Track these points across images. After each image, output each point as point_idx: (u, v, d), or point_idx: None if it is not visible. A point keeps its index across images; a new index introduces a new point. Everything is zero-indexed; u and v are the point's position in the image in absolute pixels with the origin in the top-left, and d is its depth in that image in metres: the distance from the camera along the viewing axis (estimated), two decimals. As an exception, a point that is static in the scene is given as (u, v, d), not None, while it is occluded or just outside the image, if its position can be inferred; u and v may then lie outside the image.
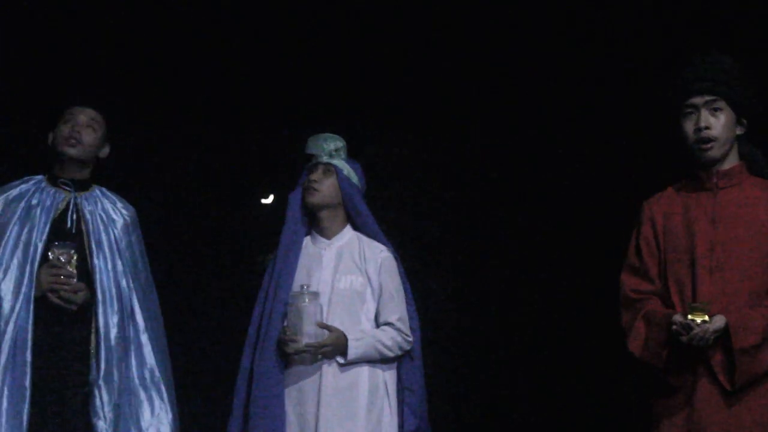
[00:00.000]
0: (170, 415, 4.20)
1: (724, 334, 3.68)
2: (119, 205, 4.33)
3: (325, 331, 4.14)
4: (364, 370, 4.20)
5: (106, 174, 4.45)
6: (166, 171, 6.62)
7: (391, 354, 4.23)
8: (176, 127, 6.49)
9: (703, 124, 3.80)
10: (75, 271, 4.07)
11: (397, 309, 4.26)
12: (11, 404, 3.93)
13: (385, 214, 4.96)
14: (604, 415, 5.99)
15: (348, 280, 4.25)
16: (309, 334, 4.11)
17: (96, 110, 4.27)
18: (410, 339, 4.26)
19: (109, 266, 4.18)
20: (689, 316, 3.66)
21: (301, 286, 4.16)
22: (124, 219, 4.30)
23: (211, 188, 6.84)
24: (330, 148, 4.30)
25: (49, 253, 4.07)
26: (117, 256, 4.21)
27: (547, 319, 6.43)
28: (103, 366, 4.06)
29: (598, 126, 6.05)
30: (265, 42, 6.28)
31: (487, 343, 6.60)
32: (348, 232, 4.33)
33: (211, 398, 6.21)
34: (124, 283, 4.20)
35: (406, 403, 4.24)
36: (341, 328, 4.18)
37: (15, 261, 4.08)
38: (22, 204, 4.18)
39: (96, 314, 4.10)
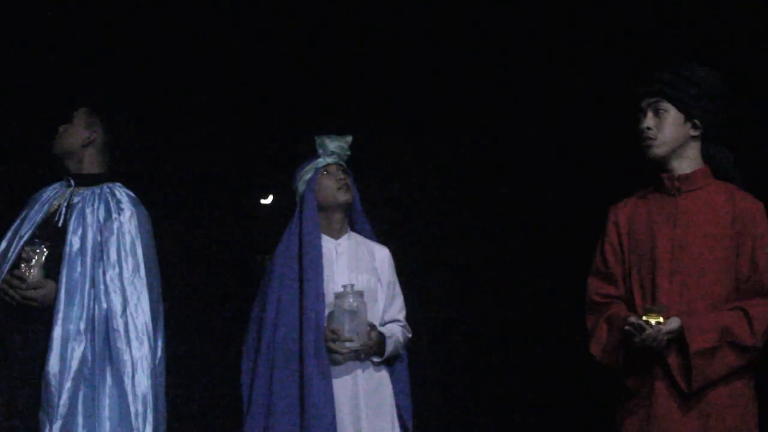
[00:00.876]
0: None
1: (679, 336, 3.72)
2: (124, 204, 4.19)
3: (370, 331, 4.16)
4: (386, 369, 4.25)
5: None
6: (165, 171, 6.61)
7: (404, 351, 4.31)
8: (175, 128, 6.48)
9: (644, 125, 3.92)
10: (36, 269, 4.02)
11: (402, 306, 4.33)
12: None
13: (382, 213, 4.97)
14: (603, 415, 5.97)
15: (364, 279, 4.25)
16: (361, 334, 4.09)
17: (88, 109, 4.31)
18: (410, 335, 4.33)
19: (87, 263, 4.06)
20: (643, 318, 3.70)
21: (344, 286, 4.12)
22: (122, 217, 4.16)
23: (210, 189, 6.86)
24: (347, 150, 4.34)
25: (21, 254, 4.06)
26: (99, 252, 4.07)
27: (546, 318, 6.43)
28: (52, 357, 3.93)
29: (599, 126, 6.05)
30: (265, 42, 6.29)
31: (485, 342, 6.62)
32: (351, 233, 4.36)
33: (209, 401, 6.25)
34: (101, 278, 4.05)
35: (402, 407, 4.26)
36: (395, 328, 4.28)
37: (3, 254, 4.12)
38: (35, 201, 4.24)
39: (57, 305, 4.00)
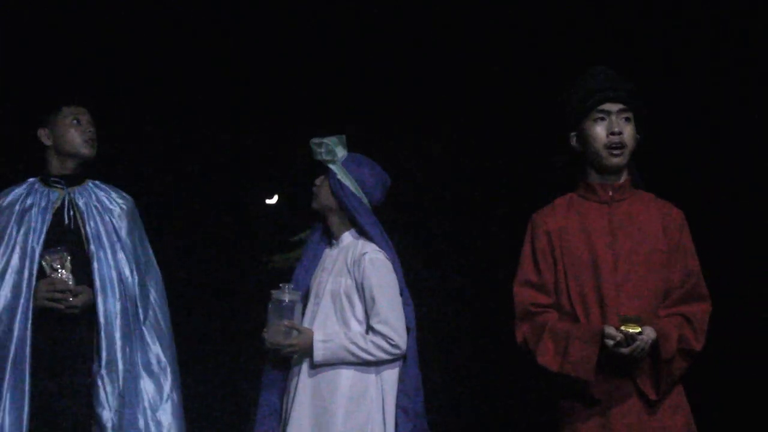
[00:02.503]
0: (176, 401, 4.21)
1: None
2: (114, 195, 4.32)
3: (294, 332, 4.10)
4: (344, 373, 4.12)
5: (107, 174, 4.47)
6: (171, 171, 6.63)
7: (370, 357, 4.11)
8: (181, 128, 6.50)
9: (617, 129, 3.85)
10: (70, 276, 4.09)
11: (380, 312, 4.12)
12: (13, 408, 3.98)
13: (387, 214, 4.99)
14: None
15: (337, 282, 4.19)
16: (276, 332, 4.10)
17: (88, 110, 4.30)
18: (395, 342, 4.12)
19: (109, 256, 4.18)
20: (622, 328, 3.69)
21: (281, 285, 4.14)
22: (120, 207, 4.30)
23: (215, 189, 6.86)
24: (322, 150, 4.24)
25: (43, 263, 4.09)
26: (117, 245, 4.22)
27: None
28: (104, 356, 4.07)
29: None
30: (271, 41, 6.28)
31: (488, 342, 6.61)
32: (350, 235, 4.28)
33: (218, 399, 6.24)
34: (126, 271, 4.21)
35: (400, 407, 4.13)
36: (327, 329, 4.15)
37: (12, 266, 4.11)
38: (17, 207, 4.19)
39: (96, 305, 4.11)
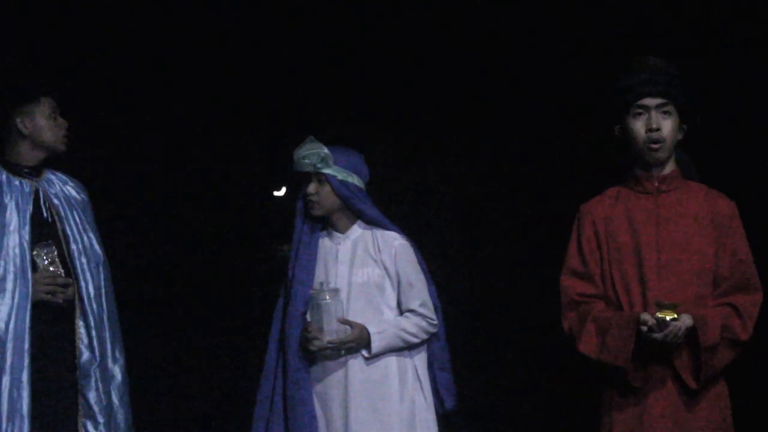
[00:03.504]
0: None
1: (688, 332, 3.77)
2: (71, 184, 4.37)
3: (348, 327, 4.17)
4: (392, 361, 4.25)
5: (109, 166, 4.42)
6: (179, 163, 6.62)
7: (416, 340, 4.27)
8: (188, 119, 6.46)
9: (654, 125, 3.91)
10: (61, 269, 4.17)
11: (419, 294, 4.28)
12: (13, 402, 4.03)
13: (395, 208, 4.93)
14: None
15: (365, 273, 4.27)
16: (330, 331, 4.16)
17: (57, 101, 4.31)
18: (435, 322, 4.30)
19: (81, 248, 4.24)
20: (658, 315, 3.74)
21: (320, 284, 4.21)
22: (81, 197, 4.36)
23: (223, 181, 6.85)
24: (313, 160, 4.26)
25: (35, 257, 4.14)
26: (85, 235, 4.28)
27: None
28: (97, 349, 4.18)
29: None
30: (279, 33, 6.28)
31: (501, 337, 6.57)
32: (358, 226, 4.35)
33: (225, 392, 6.19)
34: (94, 259, 4.28)
35: (440, 383, 4.31)
36: (363, 321, 4.21)
37: (5, 263, 4.12)
38: None
39: (81, 298, 4.19)
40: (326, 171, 4.27)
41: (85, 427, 4.14)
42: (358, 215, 4.33)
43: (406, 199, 6.55)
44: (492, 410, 6.45)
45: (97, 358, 4.18)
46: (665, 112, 3.92)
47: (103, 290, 4.27)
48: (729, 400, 3.88)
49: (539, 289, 6.38)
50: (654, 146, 3.91)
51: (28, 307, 4.07)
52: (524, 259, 6.51)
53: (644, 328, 3.74)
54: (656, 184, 3.96)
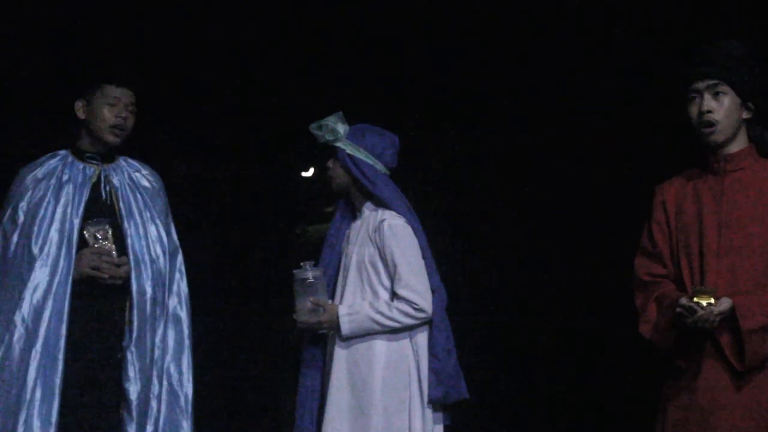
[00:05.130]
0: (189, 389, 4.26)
1: (731, 316, 3.73)
2: (145, 172, 4.35)
3: (320, 309, 4.17)
4: (378, 343, 4.17)
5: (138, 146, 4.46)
6: (206, 144, 6.65)
7: (396, 324, 4.15)
8: (216, 102, 6.50)
9: (705, 108, 3.84)
10: (113, 246, 4.12)
11: (402, 277, 4.16)
12: (45, 377, 4.00)
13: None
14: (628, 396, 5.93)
15: (361, 253, 4.24)
16: (301, 311, 4.18)
17: (134, 93, 4.26)
18: (420, 306, 4.14)
19: (141, 232, 4.21)
20: (694, 299, 3.72)
21: (302, 264, 4.20)
22: (152, 185, 4.33)
23: (251, 161, 6.89)
24: (324, 132, 4.28)
25: (85, 233, 4.11)
26: (150, 222, 4.25)
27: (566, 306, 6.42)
28: (135, 331, 4.11)
29: (618, 111, 6.03)
30: (305, 18, 6.28)
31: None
32: (370, 205, 4.32)
33: (253, 370, 6.26)
34: (158, 249, 4.24)
35: (431, 369, 4.17)
36: (356, 300, 4.20)
37: (51, 239, 4.10)
38: (53, 181, 4.19)
39: (130, 280, 4.14)
40: (337, 145, 4.27)
41: (123, 422, 4.10)
42: (366, 195, 4.30)
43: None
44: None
45: (134, 341, 4.10)
46: (717, 93, 3.85)
47: (162, 278, 4.21)
48: None
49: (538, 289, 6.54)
50: (706, 130, 3.85)
51: (69, 281, 4.04)
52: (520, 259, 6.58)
53: (680, 311, 3.72)
54: (722, 163, 3.88)
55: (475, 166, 6.74)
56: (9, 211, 4.17)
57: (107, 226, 4.12)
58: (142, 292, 4.13)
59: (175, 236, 4.33)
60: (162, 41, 6.02)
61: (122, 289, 4.13)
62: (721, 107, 3.85)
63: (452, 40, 6.25)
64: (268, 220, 6.96)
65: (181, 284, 4.29)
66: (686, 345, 3.79)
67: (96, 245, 4.10)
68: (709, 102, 3.84)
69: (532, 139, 6.46)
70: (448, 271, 4.47)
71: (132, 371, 4.08)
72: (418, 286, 4.15)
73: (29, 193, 4.16)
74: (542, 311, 6.54)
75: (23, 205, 4.15)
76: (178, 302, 4.26)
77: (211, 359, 4.89)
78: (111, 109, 4.18)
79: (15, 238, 4.11)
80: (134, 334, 4.10)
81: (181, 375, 4.22)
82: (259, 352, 6.58)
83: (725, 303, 3.70)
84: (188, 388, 4.22)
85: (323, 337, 4.26)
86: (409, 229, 4.22)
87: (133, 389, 4.08)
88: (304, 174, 7.19)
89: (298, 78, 6.43)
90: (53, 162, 4.24)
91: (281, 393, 6.40)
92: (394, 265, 4.16)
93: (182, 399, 4.20)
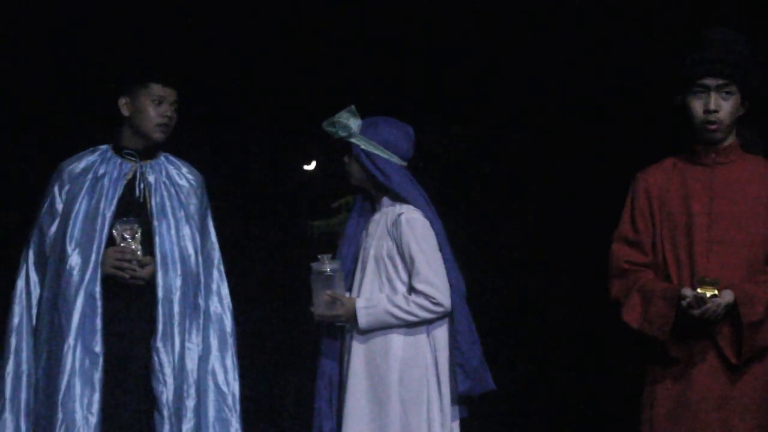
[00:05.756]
0: (236, 387, 4.27)
1: (730, 308, 3.75)
2: (184, 170, 4.35)
3: (338, 302, 4.17)
4: (395, 338, 4.17)
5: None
6: (209, 137, 6.61)
7: (414, 318, 4.14)
8: (218, 95, 6.47)
9: (713, 107, 3.85)
10: (139, 246, 4.13)
11: (420, 271, 4.15)
12: (84, 370, 4.02)
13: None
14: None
15: (379, 246, 4.23)
16: (318, 304, 4.18)
17: (177, 91, 4.27)
18: (438, 300, 4.14)
19: (173, 231, 4.21)
20: (699, 290, 3.72)
21: (319, 256, 4.20)
22: (190, 183, 4.33)
23: (253, 154, 6.90)
24: (337, 128, 4.28)
25: (113, 231, 4.13)
26: (182, 221, 4.24)
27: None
28: (160, 328, 4.10)
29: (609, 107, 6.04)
30: (309, 12, 6.27)
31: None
32: (388, 200, 4.30)
33: (264, 362, 6.27)
34: (190, 248, 4.23)
35: (456, 363, 4.14)
36: (374, 294, 4.19)
37: (85, 233, 4.13)
38: (90, 175, 4.21)
39: (156, 278, 4.14)
40: (352, 141, 4.27)
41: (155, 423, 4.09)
42: (383, 190, 4.29)
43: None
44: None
45: (160, 340, 4.08)
46: (727, 92, 3.87)
47: (195, 277, 4.21)
48: None
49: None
50: (711, 127, 3.87)
51: (98, 278, 4.07)
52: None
53: (684, 303, 3.73)
54: (713, 156, 3.91)
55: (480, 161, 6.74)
56: (47, 205, 4.21)
57: (135, 226, 4.14)
58: (168, 291, 4.14)
59: (213, 236, 4.34)
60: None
61: (150, 288, 4.14)
62: (727, 107, 3.87)
63: (455, 34, 6.25)
64: (271, 217, 6.96)
65: (221, 284, 4.31)
66: (680, 335, 3.79)
67: (122, 244, 4.11)
68: (717, 101, 3.86)
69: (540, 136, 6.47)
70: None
71: (160, 371, 4.08)
72: (435, 280, 4.14)
73: (67, 187, 4.21)
74: (543, 309, 6.56)
75: (61, 198, 4.20)
76: (219, 302, 4.28)
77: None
78: (157, 107, 4.20)
79: (52, 230, 4.17)
80: (159, 332, 4.10)
81: (226, 374, 4.24)
82: (260, 351, 6.57)
83: (729, 295, 3.72)
84: (234, 386, 4.25)
85: (341, 329, 4.25)
86: (426, 223, 4.20)
87: (163, 389, 4.07)
88: (306, 167, 7.17)
89: (298, 70, 6.42)
90: (92, 157, 4.27)
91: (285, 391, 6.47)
92: (412, 260, 4.15)
93: (230, 398, 4.23)
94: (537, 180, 6.56)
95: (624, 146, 6.00)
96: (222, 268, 4.34)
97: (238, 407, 4.24)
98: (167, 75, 4.25)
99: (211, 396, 4.20)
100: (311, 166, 7.14)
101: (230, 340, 4.27)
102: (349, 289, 4.26)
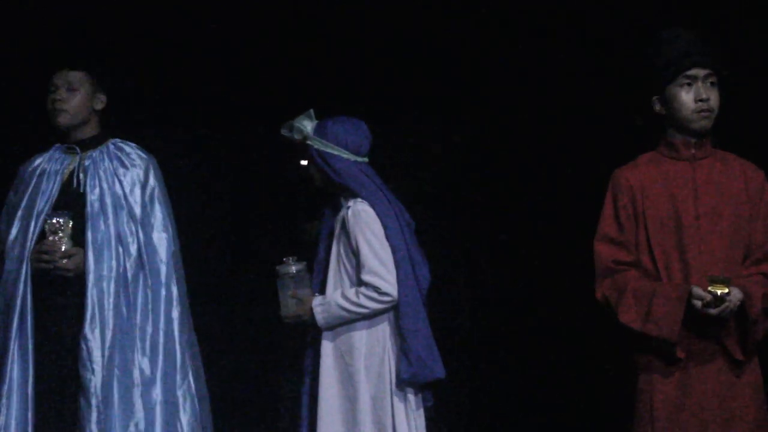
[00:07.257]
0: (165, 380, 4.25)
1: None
2: (132, 155, 4.34)
3: (298, 302, 4.24)
4: (357, 333, 4.22)
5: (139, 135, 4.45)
6: (206, 135, 6.63)
7: (365, 310, 4.18)
8: (217, 92, 6.46)
9: (704, 96, 3.90)
10: (67, 239, 4.15)
11: (366, 263, 4.19)
12: (20, 371, 4.08)
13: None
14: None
15: (338, 245, 4.29)
16: (284, 305, 4.26)
17: (74, 69, 4.27)
18: (385, 290, 4.17)
19: (110, 219, 4.20)
20: (710, 289, 3.74)
21: (284, 259, 4.29)
22: (138, 167, 4.31)
23: (251, 153, 6.87)
24: (292, 134, 4.33)
25: (45, 227, 4.17)
26: (120, 208, 4.23)
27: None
28: (88, 316, 4.11)
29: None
30: (312, 10, 6.26)
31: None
32: (347, 198, 4.32)
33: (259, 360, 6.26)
34: (128, 234, 4.21)
35: (400, 350, 4.19)
36: (337, 293, 4.22)
37: (21, 230, 4.21)
38: (37, 172, 4.28)
39: (86, 267, 4.15)
40: (308, 143, 4.33)
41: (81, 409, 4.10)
42: (341, 187, 4.31)
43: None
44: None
45: (89, 329, 4.09)
46: (711, 83, 3.93)
47: (135, 268, 4.22)
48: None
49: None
50: (704, 114, 3.91)
51: (22, 273, 4.13)
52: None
53: (698, 303, 3.74)
54: (693, 151, 3.94)
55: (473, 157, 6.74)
56: (4, 206, 4.35)
57: (64, 219, 4.14)
58: (99, 279, 4.13)
59: (161, 224, 4.30)
60: (157, 36, 6.04)
61: (82, 280, 4.14)
62: (714, 96, 3.94)
63: (451, 34, 6.25)
64: (268, 217, 6.95)
65: (170, 280, 4.27)
66: (681, 335, 3.80)
67: (50, 237, 4.13)
68: (706, 90, 3.90)
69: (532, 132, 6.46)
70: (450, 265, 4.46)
71: (88, 359, 4.07)
72: (381, 271, 4.18)
73: (19, 187, 4.29)
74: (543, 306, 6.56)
75: (12, 197, 4.30)
76: (166, 295, 4.26)
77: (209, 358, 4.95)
78: (49, 96, 4.27)
79: (2, 230, 4.28)
80: (87, 320, 4.09)
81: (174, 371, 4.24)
82: (259, 351, 6.58)
83: (739, 292, 3.76)
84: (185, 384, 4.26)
85: (315, 329, 4.26)
86: (371, 213, 4.23)
87: (90, 377, 4.07)
88: (303, 162, 7.15)
89: (299, 71, 6.41)
90: (45, 155, 4.32)
91: (280, 391, 6.45)
92: (359, 252, 4.19)
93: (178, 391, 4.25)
94: (537, 180, 6.55)
95: (624, 146, 6.00)
96: (172, 261, 4.28)
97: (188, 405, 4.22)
98: (59, 58, 4.28)
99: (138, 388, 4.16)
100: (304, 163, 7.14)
101: (177, 336, 4.24)
102: (323, 291, 4.30)
